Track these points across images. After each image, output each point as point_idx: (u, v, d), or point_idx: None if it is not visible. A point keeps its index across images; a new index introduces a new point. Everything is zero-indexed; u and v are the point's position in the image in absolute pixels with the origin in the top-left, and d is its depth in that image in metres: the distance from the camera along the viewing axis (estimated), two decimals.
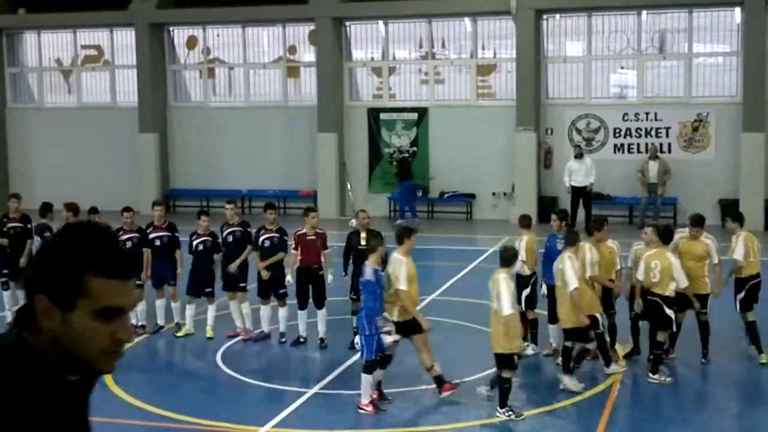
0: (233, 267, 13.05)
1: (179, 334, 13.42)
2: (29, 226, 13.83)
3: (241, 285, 13.20)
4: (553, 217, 12.34)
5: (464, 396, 10.72)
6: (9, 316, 13.42)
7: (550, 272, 11.46)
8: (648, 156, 22.38)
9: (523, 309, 11.72)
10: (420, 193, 24.39)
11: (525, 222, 12.48)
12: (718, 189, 22.34)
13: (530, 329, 12.07)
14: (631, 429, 10.22)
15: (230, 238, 13.29)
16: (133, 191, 24.62)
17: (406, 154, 24.13)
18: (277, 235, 12.98)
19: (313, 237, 12.71)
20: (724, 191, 22.25)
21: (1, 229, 13.65)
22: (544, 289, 12.18)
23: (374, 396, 10.12)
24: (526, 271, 11.97)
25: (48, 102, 28.28)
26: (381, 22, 25.09)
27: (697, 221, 11.85)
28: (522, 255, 11.62)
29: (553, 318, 11.76)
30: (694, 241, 11.65)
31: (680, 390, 11.25)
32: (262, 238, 12.96)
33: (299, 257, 12.70)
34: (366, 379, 10.08)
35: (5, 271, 13.72)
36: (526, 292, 11.90)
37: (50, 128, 27.47)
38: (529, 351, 12.00)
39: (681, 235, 11.89)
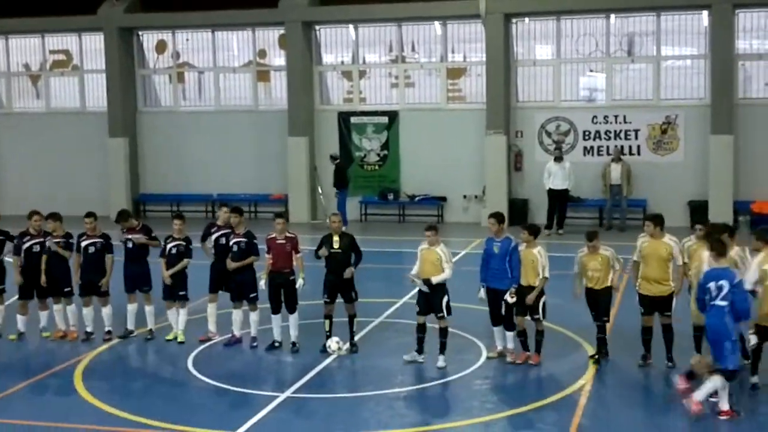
0: (232, 266, 12.95)
1: (169, 337, 13.36)
2: (110, 242, 13.65)
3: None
4: (491, 221, 12.22)
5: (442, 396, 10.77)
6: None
7: (491, 275, 11.91)
8: (611, 158, 22.60)
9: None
10: (391, 196, 24.50)
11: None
12: (687, 190, 22.56)
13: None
14: None
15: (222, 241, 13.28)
16: (102, 196, 24.53)
17: (339, 160, 23.88)
18: (245, 239, 12.99)
19: (283, 241, 12.73)
20: (693, 193, 22.48)
21: (79, 245, 13.50)
22: (482, 293, 12.21)
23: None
24: None
25: (16, 107, 28.01)
26: (351, 26, 25.11)
27: (658, 221, 11.79)
28: None
29: (496, 320, 12.04)
30: (656, 241, 11.64)
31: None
32: (231, 242, 12.98)
33: (270, 261, 12.73)
34: (722, 383, 9.74)
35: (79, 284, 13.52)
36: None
37: (19, 133, 27.23)
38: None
39: (643, 238, 11.93)
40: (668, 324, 11.61)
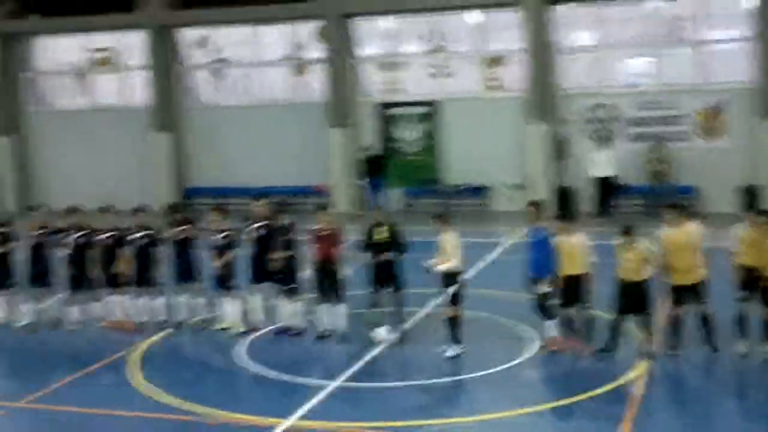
0: (274, 257, 13.06)
1: (222, 326, 13.45)
2: (159, 236, 13.85)
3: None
4: (530, 208, 12.24)
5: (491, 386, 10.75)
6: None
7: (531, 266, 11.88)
8: (652, 144, 22.44)
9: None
10: (433, 186, 24.56)
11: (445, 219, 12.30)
12: (735, 176, 22.12)
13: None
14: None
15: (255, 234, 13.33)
16: (147, 190, 24.74)
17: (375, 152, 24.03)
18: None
19: (327, 233, 12.74)
20: (742, 178, 22.07)
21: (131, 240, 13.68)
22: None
23: None
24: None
25: (62, 105, 28.43)
26: (388, 17, 25.08)
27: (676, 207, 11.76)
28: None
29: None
30: (678, 229, 11.46)
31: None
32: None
33: (315, 252, 12.77)
34: None
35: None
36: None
37: (66, 131, 27.65)
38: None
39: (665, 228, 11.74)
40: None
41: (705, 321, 11.40)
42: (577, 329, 11.83)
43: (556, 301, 11.82)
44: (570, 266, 11.63)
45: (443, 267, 11.77)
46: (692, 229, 11.46)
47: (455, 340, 11.86)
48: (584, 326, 11.80)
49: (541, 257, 11.79)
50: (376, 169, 23.62)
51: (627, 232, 11.55)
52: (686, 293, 11.35)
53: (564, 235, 11.69)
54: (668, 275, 11.40)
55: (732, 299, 11.31)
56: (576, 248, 11.64)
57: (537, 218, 12.09)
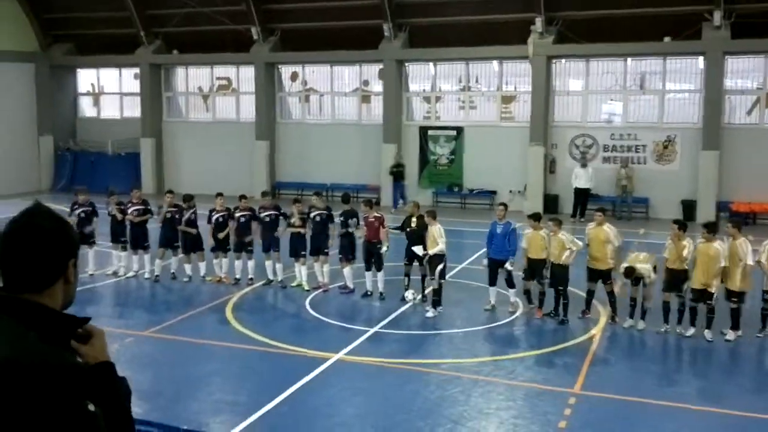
0: (330, 238, 13.16)
1: (294, 284, 13.46)
2: (256, 214, 13.79)
3: (326, 251, 13.33)
4: (500, 207, 12.15)
5: (479, 338, 10.78)
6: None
7: (493, 250, 11.76)
8: (621, 165, 22.04)
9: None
10: (456, 189, 24.45)
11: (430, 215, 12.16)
12: (681, 192, 21.81)
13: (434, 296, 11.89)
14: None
15: (317, 218, 13.43)
16: (249, 182, 25.06)
17: (400, 167, 24.02)
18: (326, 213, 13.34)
19: (373, 219, 12.84)
20: (685, 194, 21.73)
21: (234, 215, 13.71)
22: (485, 261, 12.04)
23: None
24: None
25: (192, 117, 28.86)
26: (431, 63, 25.03)
27: (603, 211, 11.73)
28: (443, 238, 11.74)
29: (493, 282, 11.85)
30: (599, 228, 11.40)
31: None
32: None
33: (365, 234, 12.87)
34: None
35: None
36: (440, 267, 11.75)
37: (192, 136, 28.07)
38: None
39: (589, 226, 11.68)
40: (611, 291, 11.39)
41: (610, 295, 11.39)
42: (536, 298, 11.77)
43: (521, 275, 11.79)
44: (534, 252, 11.58)
45: (432, 251, 11.79)
46: (606, 228, 11.36)
47: (436, 304, 11.85)
48: (539, 296, 11.73)
49: (507, 244, 11.74)
50: (399, 176, 23.76)
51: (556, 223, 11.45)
52: (598, 275, 11.32)
53: (553, 231, 11.47)
54: (590, 262, 11.37)
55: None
56: (541, 240, 11.53)
57: (504, 215, 12.03)
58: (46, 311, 2.00)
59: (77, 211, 14.20)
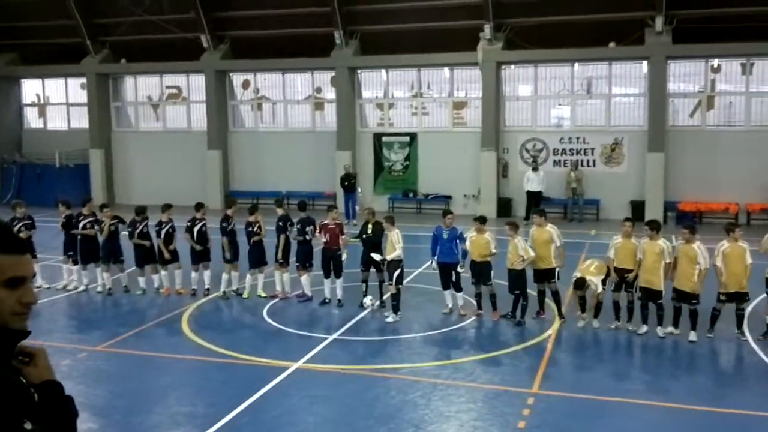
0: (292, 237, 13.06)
1: (259, 294, 13.38)
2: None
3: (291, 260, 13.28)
4: (449, 216, 12.10)
5: (438, 342, 10.81)
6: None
7: (442, 253, 11.79)
8: (570, 168, 22.49)
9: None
10: (411, 195, 24.55)
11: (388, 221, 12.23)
12: (629, 193, 22.36)
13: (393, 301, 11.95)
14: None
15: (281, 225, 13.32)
16: (202, 192, 24.74)
17: (351, 178, 23.58)
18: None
19: (333, 226, 12.83)
20: (633, 195, 22.28)
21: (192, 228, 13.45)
22: (434, 264, 12.09)
23: None
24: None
25: (142, 127, 28.36)
26: (383, 70, 25.14)
27: (541, 213, 11.94)
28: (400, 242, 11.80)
29: (446, 286, 11.94)
30: (541, 229, 11.62)
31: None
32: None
33: (324, 241, 12.82)
34: None
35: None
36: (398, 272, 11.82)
37: (143, 147, 27.57)
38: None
39: (532, 228, 11.91)
40: (556, 290, 11.65)
41: (555, 295, 11.62)
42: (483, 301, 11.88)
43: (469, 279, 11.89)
44: (477, 254, 11.69)
45: (389, 257, 11.82)
46: (550, 230, 11.57)
47: (396, 309, 11.89)
48: (491, 298, 11.84)
49: (454, 248, 11.85)
50: (350, 188, 23.47)
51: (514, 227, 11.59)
52: (544, 275, 11.53)
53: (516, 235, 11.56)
54: (535, 263, 11.57)
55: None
56: (486, 243, 11.67)
57: (452, 222, 12.13)
58: None
59: (17, 226, 13.79)
